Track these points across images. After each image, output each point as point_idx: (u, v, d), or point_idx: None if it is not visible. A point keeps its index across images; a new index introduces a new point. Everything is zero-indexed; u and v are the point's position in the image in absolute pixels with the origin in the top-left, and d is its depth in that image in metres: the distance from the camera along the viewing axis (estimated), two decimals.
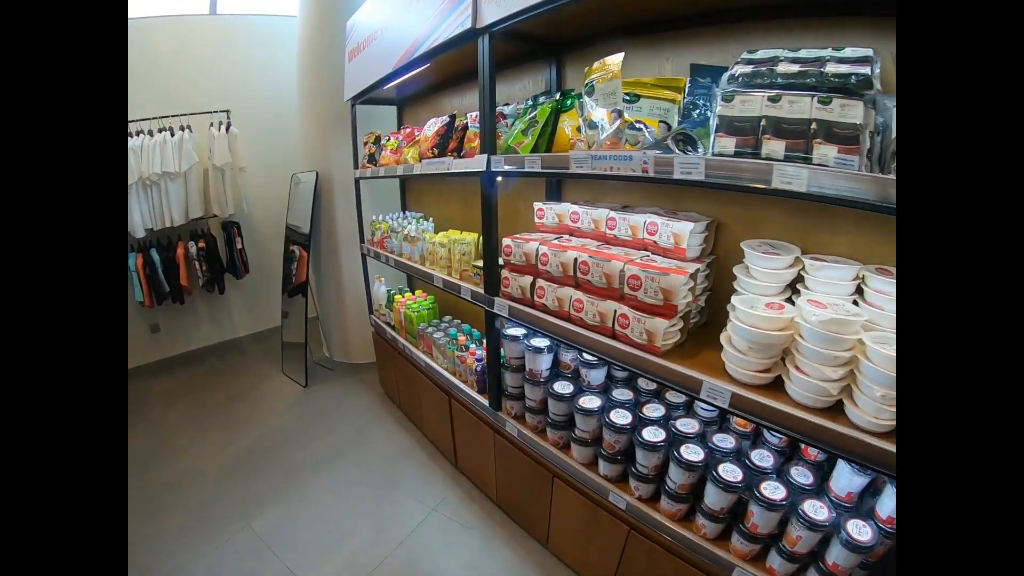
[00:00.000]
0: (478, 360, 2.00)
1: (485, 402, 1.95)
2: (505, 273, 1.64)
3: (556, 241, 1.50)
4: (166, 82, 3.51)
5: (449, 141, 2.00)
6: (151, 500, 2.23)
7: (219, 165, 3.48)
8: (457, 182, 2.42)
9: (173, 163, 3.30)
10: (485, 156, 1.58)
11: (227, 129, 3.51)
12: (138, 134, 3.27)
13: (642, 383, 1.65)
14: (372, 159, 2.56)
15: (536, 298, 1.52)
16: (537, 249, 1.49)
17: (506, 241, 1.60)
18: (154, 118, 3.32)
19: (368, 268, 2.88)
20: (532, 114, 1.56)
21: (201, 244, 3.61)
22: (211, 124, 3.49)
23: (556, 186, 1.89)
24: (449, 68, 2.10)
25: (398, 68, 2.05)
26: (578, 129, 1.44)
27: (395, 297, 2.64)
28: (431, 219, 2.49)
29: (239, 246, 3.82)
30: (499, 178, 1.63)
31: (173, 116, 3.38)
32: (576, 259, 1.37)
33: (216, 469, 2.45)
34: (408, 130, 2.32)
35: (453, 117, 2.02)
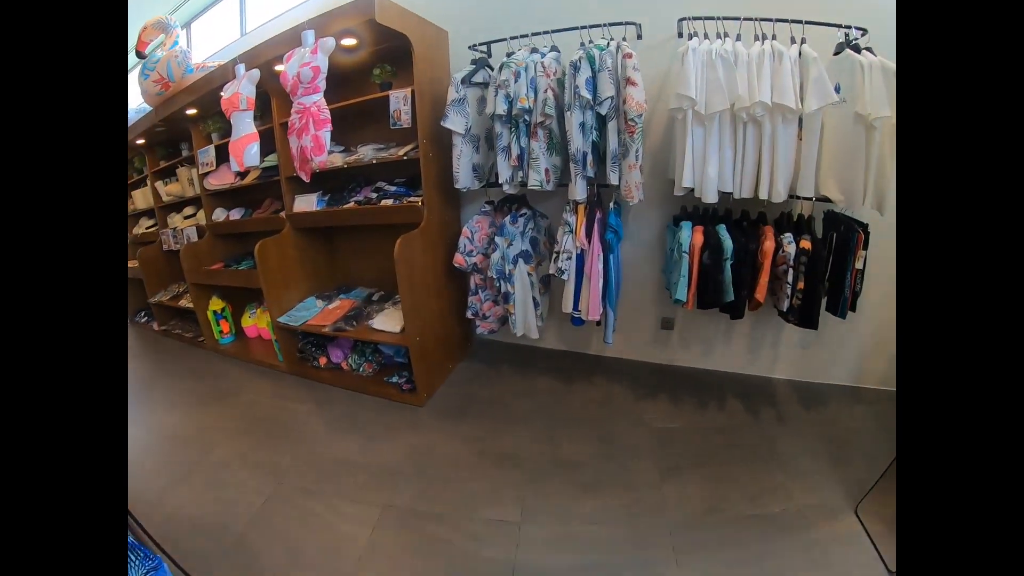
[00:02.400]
0: None
1: None
2: None
3: None
4: None
5: None
6: None
7: (866, 116, 1.70)
8: None
9: (790, 94, 1.72)
10: None
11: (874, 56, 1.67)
12: (719, 36, 1.88)
13: None
14: None
15: None
16: None
17: None
18: (731, 19, 1.86)
19: None
20: None
21: (805, 243, 1.90)
22: (839, 45, 1.76)
23: None
24: None
25: None
26: None
27: None
28: None
29: (858, 264, 1.95)
30: None
31: (775, 20, 1.80)
32: None
33: None
34: None
35: None
